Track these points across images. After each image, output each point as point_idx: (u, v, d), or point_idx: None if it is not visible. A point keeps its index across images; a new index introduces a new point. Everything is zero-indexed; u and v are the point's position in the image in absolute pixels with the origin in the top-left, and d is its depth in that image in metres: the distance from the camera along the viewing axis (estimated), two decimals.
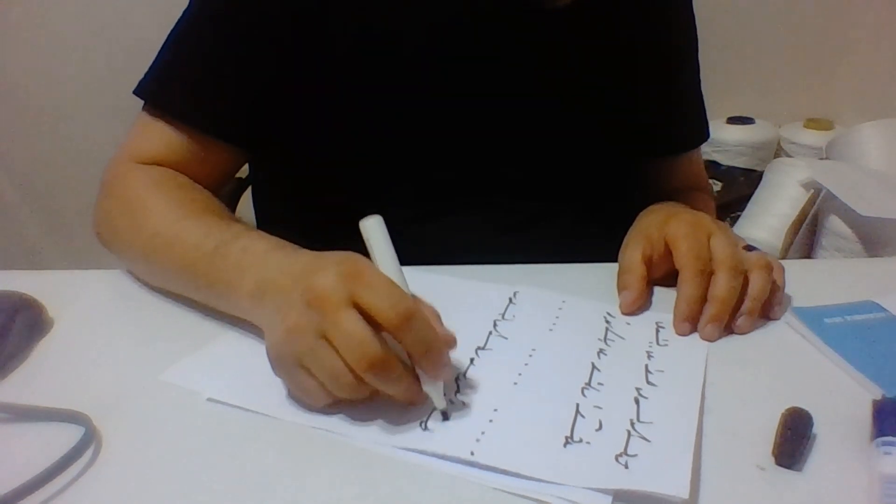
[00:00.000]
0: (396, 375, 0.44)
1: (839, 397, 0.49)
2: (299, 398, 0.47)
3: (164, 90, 0.67)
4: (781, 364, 0.54)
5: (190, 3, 0.68)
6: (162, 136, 0.67)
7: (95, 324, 0.59)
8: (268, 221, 0.85)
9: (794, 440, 0.43)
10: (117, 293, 0.63)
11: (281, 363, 0.47)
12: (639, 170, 0.83)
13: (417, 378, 0.45)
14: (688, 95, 0.85)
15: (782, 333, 0.57)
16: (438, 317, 0.48)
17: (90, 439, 0.43)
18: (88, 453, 0.43)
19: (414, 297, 0.47)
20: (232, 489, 0.41)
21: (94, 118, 1.72)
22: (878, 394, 0.48)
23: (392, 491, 0.41)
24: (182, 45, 0.68)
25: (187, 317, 0.59)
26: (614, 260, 0.66)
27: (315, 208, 0.73)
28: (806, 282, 0.62)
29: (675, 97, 0.82)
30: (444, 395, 0.46)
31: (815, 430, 0.45)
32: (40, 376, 0.52)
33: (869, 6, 1.85)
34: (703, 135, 0.88)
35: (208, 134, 0.67)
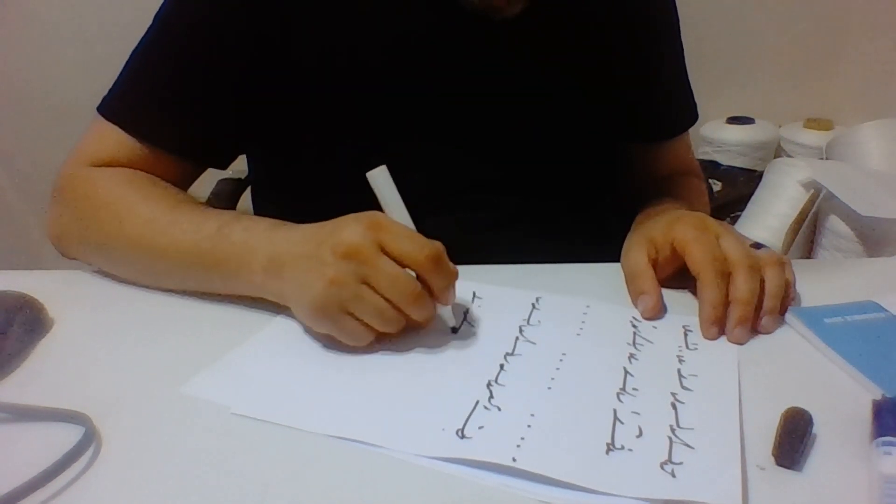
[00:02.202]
0: (428, 304, 0.52)
1: (839, 397, 0.49)
2: (344, 342, 0.52)
3: (126, 107, 0.68)
4: (781, 364, 0.54)
5: (154, 20, 0.68)
6: (120, 143, 0.67)
7: (95, 324, 0.59)
8: None
9: (794, 440, 0.43)
10: (117, 293, 0.63)
11: (325, 315, 0.51)
12: (625, 162, 0.83)
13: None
14: (672, 79, 0.84)
15: (782, 333, 0.57)
16: (443, 249, 0.53)
17: (90, 439, 0.43)
18: (88, 453, 0.43)
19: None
20: (232, 489, 0.41)
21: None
22: (878, 394, 0.48)
23: (392, 493, 0.41)
24: (145, 63, 0.68)
25: (187, 316, 0.59)
26: (599, 257, 0.66)
27: (312, 207, 0.73)
28: (806, 282, 0.62)
29: (658, 83, 0.81)
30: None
31: (815, 430, 0.45)
32: (40, 376, 0.52)
33: (868, 6, 1.85)
34: (690, 118, 0.87)
35: (169, 151, 0.68)
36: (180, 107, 0.67)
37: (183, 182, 0.71)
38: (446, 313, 0.56)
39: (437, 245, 0.52)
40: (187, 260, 0.59)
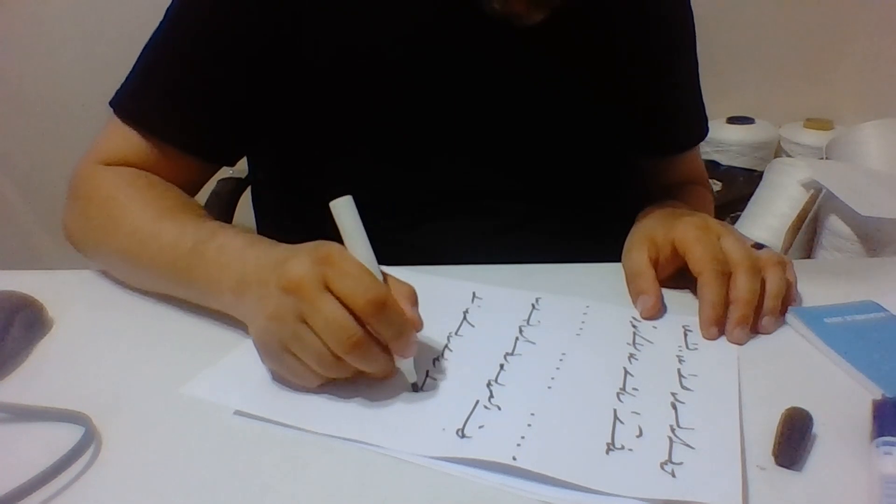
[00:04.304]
0: (374, 355, 0.46)
1: (839, 397, 0.49)
2: (290, 381, 0.49)
3: (136, 103, 0.68)
4: (781, 364, 0.54)
5: (165, 15, 0.68)
6: (131, 141, 0.67)
7: (95, 324, 0.59)
8: (267, 221, 0.85)
9: (794, 440, 0.43)
10: (117, 293, 0.63)
11: (267, 350, 0.48)
12: (633, 171, 0.83)
13: (391, 354, 0.48)
14: (685, 94, 0.84)
15: (782, 333, 0.57)
16: (414, 295, 0.49)
17: (90, 439, 0.43)
18: (88, 453, 0.43)
19: (387, 276, 0.49)
20: (231, 489, 0.41)
21: (94, 118, 1.72)
22: (878, 394, 0.48)
23: (392, 493, 0.41)
24: (156, 59, 0.68)
25: (188, 317, 0.59)
26: (605, 257, 0.66)
27: (313, 208, 0.73)
28: (806, 282, 0.62)
29: (671, 97, 0.81)
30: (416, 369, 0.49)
31: (815, 430, 0.45)
32: (40, 376, 0.52)
33: (868, 6, 1.85)
34: (701, 133, 0.87)
35: (178, 148, 0.67)
36: (189, 103, 0.67)
37: (193, 181, 0.71)
38: (405, 366, 0.48)
39: (386, 290, 0.46)
40: (166, 275, 0.59)
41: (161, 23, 0.68)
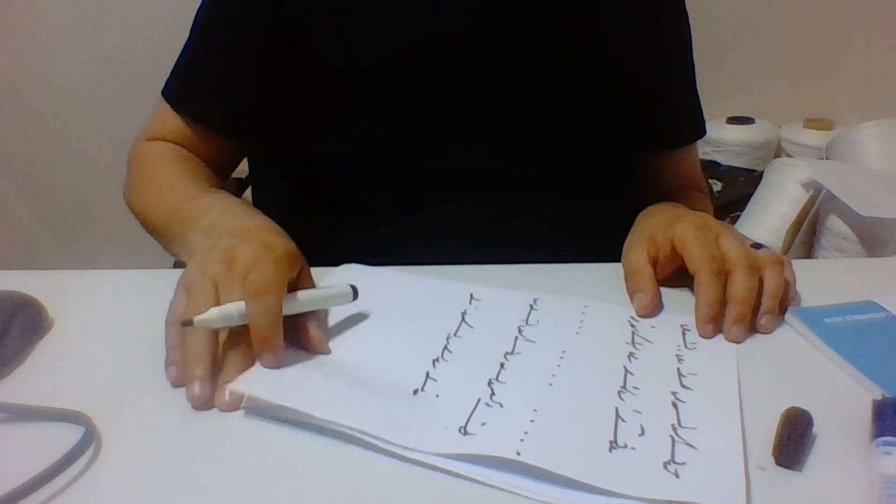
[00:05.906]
0: (276, 305, 0.49)
1: (839, 397, 0.49)
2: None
3: (178, 91, 0.76)
4: (781, 364, 0.54)
5: (196, 17, 0.74)
6: (172, 123, 0.75)
7: (95, 324, 0.59)
8: None
9: (794, 440, 0.43)
10: (117, 293, 0.63)
11: (192, 279, 0.53)
12: (634, 165, 0.84)
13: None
14: (682, 91, 0.85)
15: (782, 333, 0.57)
16: (320, 332, 0.52)
17: (90, 439, 0.43)
18: (88, 453, 0.43)
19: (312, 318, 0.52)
20: (231, 489, 0.41)
21: (93, 118, 1.72)
22: (878, 394, 0.48)
23: (393, 492, 0.41)
24: (194, 50, 0.75)
25: None
26: (607, 255, 0.67)
27: (313, 204, 0.74)
28: (806, 282, 0.62)
29: (669, 91, 0.82)
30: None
31: (815, 430, 0.45)
32: (40, 376, 0.52)
33: (868, 6, 1.85)
34: (698, 132, 0.88)
35: (211, 130, 0.74)
36: (212, 89, 0.74)
37: (219, 158, 0.77)
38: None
39: (274, 287, 0.51)
40: (169, 221, 0.65)
41: (194, 23, 0.75)
